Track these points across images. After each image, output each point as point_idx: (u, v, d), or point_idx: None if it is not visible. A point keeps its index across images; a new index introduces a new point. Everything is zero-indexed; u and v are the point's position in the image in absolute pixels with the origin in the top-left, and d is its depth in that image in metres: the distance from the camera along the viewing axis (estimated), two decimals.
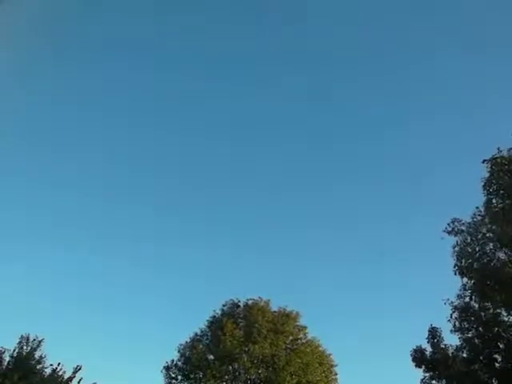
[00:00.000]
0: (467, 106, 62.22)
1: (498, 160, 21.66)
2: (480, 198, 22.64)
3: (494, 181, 21.41)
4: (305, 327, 35.38)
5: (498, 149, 21.94)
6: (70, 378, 24.11)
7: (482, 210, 22.62)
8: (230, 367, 33.15)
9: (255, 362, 32.96)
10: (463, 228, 23.13)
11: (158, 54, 63.81)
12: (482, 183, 21.99)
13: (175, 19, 60.33)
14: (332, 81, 66.44)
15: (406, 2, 60.63)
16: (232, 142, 67.53)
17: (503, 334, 21.55)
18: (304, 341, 34.96)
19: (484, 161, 22.06)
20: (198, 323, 36.16)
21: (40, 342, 24.10)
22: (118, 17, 58.85)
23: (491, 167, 21.67)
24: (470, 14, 57.50)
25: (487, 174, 21.78)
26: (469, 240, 22.86)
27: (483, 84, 60.13)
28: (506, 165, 21.41)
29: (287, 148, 66.60)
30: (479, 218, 22.85)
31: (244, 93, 66.69)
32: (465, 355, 22.29)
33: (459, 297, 23.04)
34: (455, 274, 23.01)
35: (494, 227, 21.82)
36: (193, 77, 64.12)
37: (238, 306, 36.03)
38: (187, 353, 34.27)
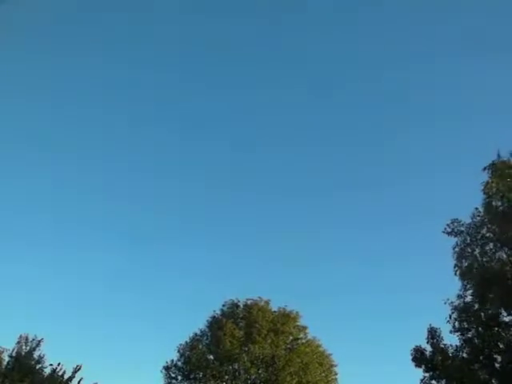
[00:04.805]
0: (467, 109, 62.28)
1: (498, 165, 21.75)
2: (479, 200, 22.71)
3: (493, 184, 21.45)
4: (305, 327, 35.34)
5: (498, 152, 22.06)
6: (70, 378, 24.08)
7: (482, 210, 22.63)
8: (230, 367, 33.12)
9: (255, 362, 32.91)
10: (463, 229, 23.12)
11: (158, 54, 63.86)
12: (482, 187, 22.04)
13: (174, 18, 60.33)
14: (332, 83, 66.40)
15: (406, 6, 60.59)
16: (232, 142, 67.63)
17: (503, 334, 21.50)
18: (304, 341, 34.91)
19: (484, 168, 22.16)
20: (197, 323, 36.18)
21: (39, 341, 24.11)
22: (118, 17, 58.90)
23: (491, 172, 21.75)
24: (470, 16, 57.53)
25: (487, 178, 21.86)
26: (468, 240, 22.84)
27: (483, 87, 60.19)
28: (505, 170, 21.47)
29: (288, 150, 66.78)
30: (478, 218, 22.85)
31: (245, 92, 66.77)
32: (465, 355, 22.23)
33: (459, 297, 23.02)
34: (455, 274, 23.04)
35: (493, 227, 21.81)
36: (193, 77, 64.24)
37: (238, 306, 35.98)
38: (187, 353, 34.23)
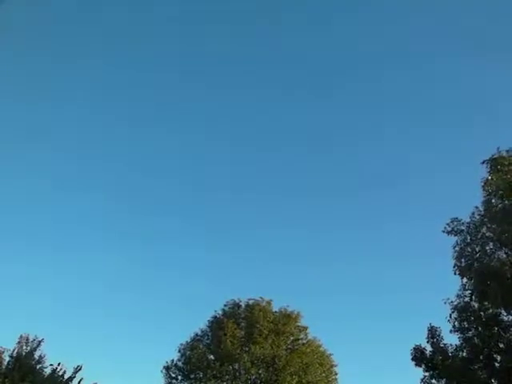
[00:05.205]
0: (467, 109, 62.29)
1: (498, 160, 21.63)
2: (478, 199, 22.67)
3: (493, 181, 21.36)
4: (305, 327, 35.33)
5: (498, 149, 21.96)
6: (71, 378, 24.08)
7: (482, 209, 22.59)
8: (231, 367, 33.09)
9: (256, 362, 32.89)
10: (463, 228, 23.07)
11: (158, 54, 63.88)
12: (482, 183, 21.96)
13: (174, 19, 60.36)
14: (332, 84, 66.42)
15: (406, 6, 60.61)
16: (232, 142, 67.65)
17: (503, 334, 21.46)
18: (305, 341, 34.91)
19: (484, 161, 22.04)
20: (198, 323, 36.20)
21: (39, 342, 24.08)
22: (118, 16, 58.93)
23: (490, 167, 21.65)
24: (470, 17, 57.54)
25: (486, 175, 21.78)
26: (468, 240, 22.79)
27: (483, 87, 60.21)
28: (505, 165, 21.37)
29: (288, 150, 66.82)
30: (478, 217, 22.80)
31: (243, 94, 66.82)
32: (465, 355, 22.21)
33: (459, 296, 23.00)
34: (455, 273, 23.00)
35: (493, 226, 21.76)
36: (193, 77, 64.27)
37: (239, 306, 35.98)
38: (187, 353, 34.21)
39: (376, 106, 66.60)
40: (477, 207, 22.74)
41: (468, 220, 23.04)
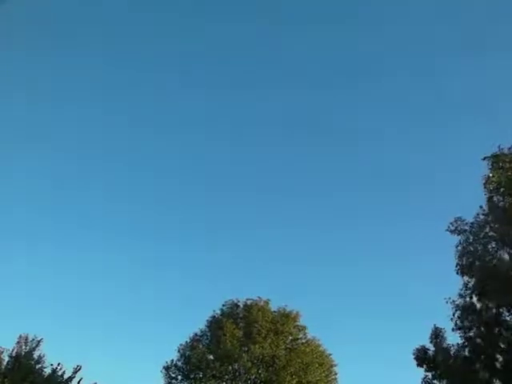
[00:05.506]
0: (467, 109, 62.25)
1: (499, 157, 21.55)
2: (479, 199, 22.61)
3: (494, 178, 21.29)
4: (304, 327, 35.35)
5: (499, 146, 21.90)
6: (70, 378, 24.08)
7: (486, 208, 22.51)
8: (230, 367, 33.10)
9: (255, 362, 32.88)
10: (466, 227, 22.98)
11: (158, 54, 63.81)
12: (483, 181, 21.88)
13: (175, 19, 60.32)
14: (332, 83, 66.41)
15: (406, 6, 60.56)
16: (232, 142, 67.56)
17: (504, 334, 21.38)
18: (304, 341, 34.92)
19: (484, 158, 21.95)
20: (197, 323, 36.20)
21: (39, 341, 24.08)
22: (118, 16, 58.88)
23: (492, 164, 21.58)
24: (470, 17, 57.58)
25: (487, 172, 21.70)
26: (471, 239, 22.68)
27: (483, 87, 60.24)
28: (506, 162, 21.30)
29: (288, 150, 66.68)
30: (482, 217, 22.71)
31: (245, 93, 66.75)
32: (466, 354, 22.14)
33: (461, 296, 22.89)
34: (457, 273, 22.90)
35: (496, 226, 21.68)
36: (193, 77, 64.24)
37: (238, 306, 36.02)
38: (187, 353, 34.22)
39: (376, 106, 66.53)
40: (481, 206, 22.67)
41: (472, 220, 22.98)
